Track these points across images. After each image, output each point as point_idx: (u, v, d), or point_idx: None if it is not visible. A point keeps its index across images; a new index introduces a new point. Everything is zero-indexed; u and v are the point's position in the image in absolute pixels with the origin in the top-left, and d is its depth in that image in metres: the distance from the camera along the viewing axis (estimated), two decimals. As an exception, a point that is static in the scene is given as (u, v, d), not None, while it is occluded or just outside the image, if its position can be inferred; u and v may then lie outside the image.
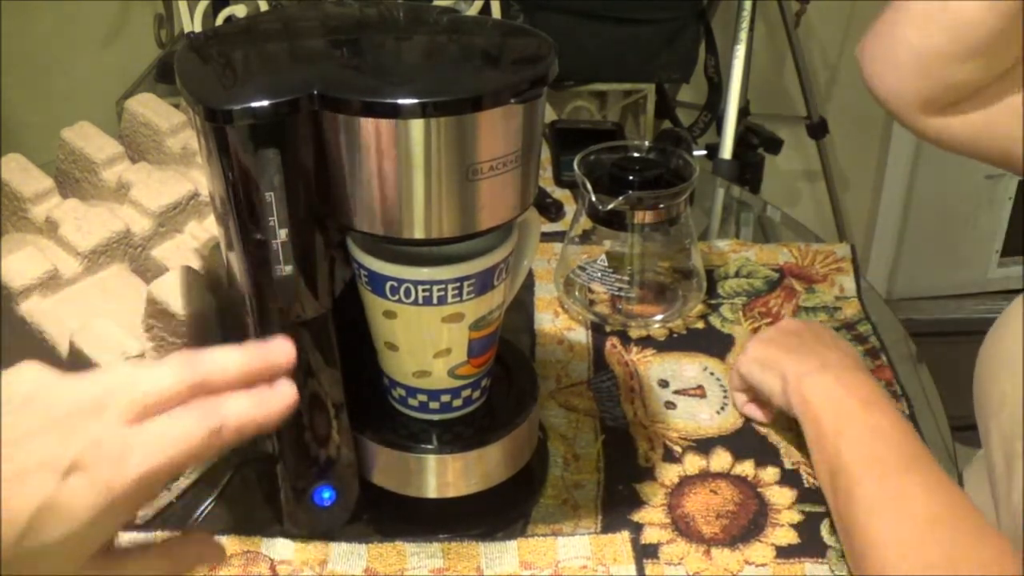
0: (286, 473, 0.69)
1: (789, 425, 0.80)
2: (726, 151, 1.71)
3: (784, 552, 0.71)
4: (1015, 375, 0.65)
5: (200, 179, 0.82)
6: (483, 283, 0.64)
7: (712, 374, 0.87)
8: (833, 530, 0.71)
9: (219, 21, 0.89)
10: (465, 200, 0.59)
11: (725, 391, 0.85)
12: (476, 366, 0.69)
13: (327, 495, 0.69)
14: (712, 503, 0.75)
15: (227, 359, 0.47)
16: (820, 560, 0.70)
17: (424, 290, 0.63)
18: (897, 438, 0.66)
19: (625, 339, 0.92)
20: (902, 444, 0.66)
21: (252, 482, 0.73)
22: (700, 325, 0.94)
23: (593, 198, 0.88)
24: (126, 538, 0.71)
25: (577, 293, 0.95)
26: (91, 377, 0.45)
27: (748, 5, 1.72)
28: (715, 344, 0.91)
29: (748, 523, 0.73)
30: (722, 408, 0.84)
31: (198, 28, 0.86)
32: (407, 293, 0.63)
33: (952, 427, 0.83)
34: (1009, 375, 0.66)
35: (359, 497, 0.71)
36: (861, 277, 0.99)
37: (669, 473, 0.77)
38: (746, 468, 0.78)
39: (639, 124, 1.86)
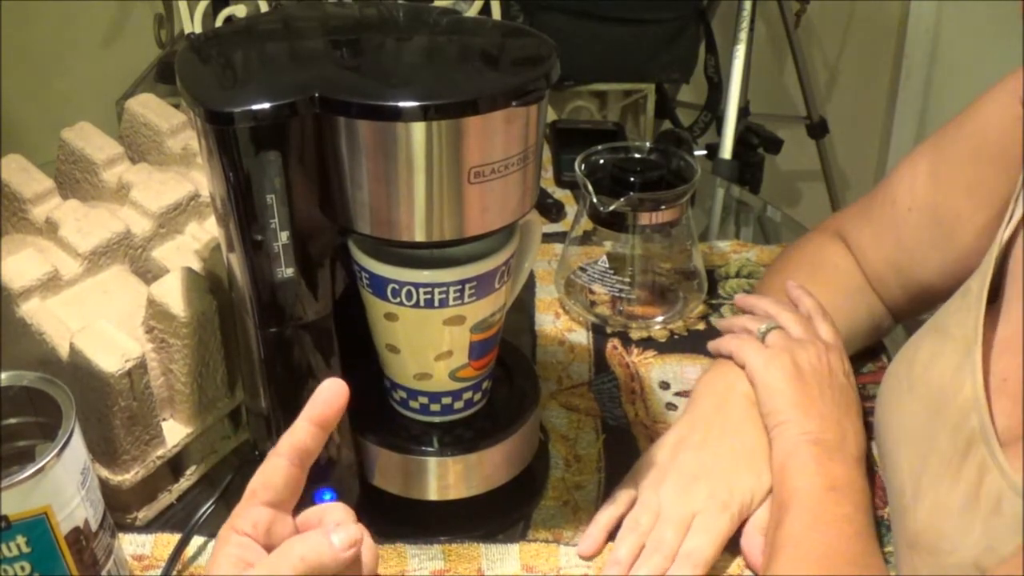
0: (287, 475, 0.68)
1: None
2: (726, 151, 1.71)
3: (785, 554, 0.70)
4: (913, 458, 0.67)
5: (201, 180, 0.81)
6: (484, 286, 0.64)
7: (713, 375, 0.87)
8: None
9: (219, 22, 0.89)
10: (466, 203, 0.59)
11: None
12: (477, 368, 0.69)
13: (328, 497, 0.69)
14: (713, 505, 0.74)
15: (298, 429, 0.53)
16: (821, 562, 0.70)
17: (425, 293, 0.63)
18: (840, 532, 0.66)
19: (626, 340, 0.91)
20: (839, 540, 0.65)
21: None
22: (701, 326, 0.93)
23: (594, 199, 0.87)
24: (127, 539, 0.71)
25: (578, 294, 0.95)
26: None
27: (748, 5, 1.72)
28: (716, 345, 0.91)
29: (749, 525, 0.73)
30: (723, 410, 0.83)
31: (198, 28, 0.85)
32: (408, 296, 0.63)
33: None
34: (908, 453, 0.68)
35: (359, 499, 0.71)
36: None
37: (670, 475, 0.77)
38: (747, 470, 0.77)
39: (639, 124, 1.86)
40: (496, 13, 0.86)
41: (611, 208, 0.87)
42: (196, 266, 0.74)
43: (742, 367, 0.77)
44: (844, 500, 0.67)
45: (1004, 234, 0.66)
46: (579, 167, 0.90)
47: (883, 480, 0.74)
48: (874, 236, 0.83)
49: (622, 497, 0.72)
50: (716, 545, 0.69)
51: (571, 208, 1.09)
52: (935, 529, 0.63)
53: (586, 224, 0.93)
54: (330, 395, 0.53)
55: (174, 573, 0.68)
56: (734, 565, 0.70)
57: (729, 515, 0.70)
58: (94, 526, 0.60)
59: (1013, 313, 0.64)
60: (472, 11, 0.88)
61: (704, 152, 1.75)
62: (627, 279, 0.92)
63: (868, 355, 0.88)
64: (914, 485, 0.67)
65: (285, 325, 0.63)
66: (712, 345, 0.82)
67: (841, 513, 0.66)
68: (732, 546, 0.70)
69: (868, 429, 0.78)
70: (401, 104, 0.55)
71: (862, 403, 0.80)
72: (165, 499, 0.74)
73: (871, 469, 0.76)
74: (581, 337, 0.92)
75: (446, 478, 0.70)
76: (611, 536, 0.71)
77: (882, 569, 0.66)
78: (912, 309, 0.85)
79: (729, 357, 0.79)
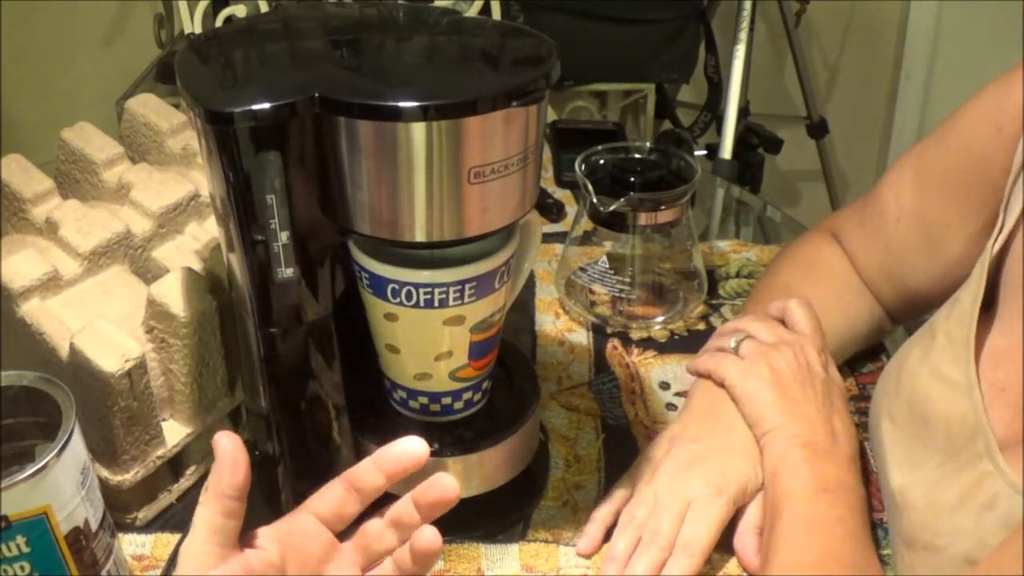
0: (287, 475, 0.68)
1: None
2: (726, 151, 1.71)
3: (785, 554, 0.70)
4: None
5: (201, 180, 0.81)
6: (484, 286, 0.64)
7: (713, 376, 0.87)
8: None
9: (219, 22, 0.89)
10: (466, 203, 0.59)
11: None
12: (477, 368, 0.69)
13: (328, 497, 0.69)
14: (713, 505, 0.74)
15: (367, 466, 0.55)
16: (821, 562, 0.70)
17: (425, 293, 0.63)
18: (834, 535, 0.65)
19: (626, 340, 0.91)
20: (833, 543, 0.65)
21: (253, 484, 0.73)
22: (701, 326, 0.93)
23: (595, 199, 0.87)
24: (127, 539, 0.71)
25: (578, 294, 0.95)
26: None
27: (748, 5, 1.72)
28: (716, 345, 0.91)
29: (749, 525, 0.73)
30: (723, 410, 0.83)
31: (198, 28, 0.85)
32: (408, 296, 0.63)
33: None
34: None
35: (360, 499, 0.71)
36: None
37: (670, 475, 0.77)
38: (747, 470, 0.77)
39: (639, 124, 1.86)
40: (496, 13, 0.86)
41: (611, 208, 0.87)
42: (196, 266, 0.74)
43: (721, 384, 0.76)
44: (837, 502, 0.67)
45: (995, 245, 0.66)
46: (579, 167, 0.90)
47: (878, 480, 0.74)
48: (865, 242, 0.83)
49: (619, 494, 0.72)
50: (712, 533, 0.68)
51: (571, 208, 1.09)
52: (930, 527, 0.63)
53: (586, 224, 0.93)
54: (407, 453, 0.54)
55: (174, 573, 0.68)
56: (732, 565, 0.70)
57: (725, 500, 0.69)
58: (94, 526, 0.60)
59: (1012, 323, 0.64)
60: (472, 11, 0.88)
61: (704, 152, 1.75)
62: (627, 279, 0.92)
63: (868, 355, 0.88)
64: (905, 485, 0.67)
65: (285, 325, 0.63)
66: (690, 367, 0.81)
67: (835, 515, 0.66)
68: (730, 545, 0.71)
69: (864, 428, 0.78)
70: (401, 104, 0.55)
71: (861, 402, 0.80)
72: (165, 499, 0.74)
73: (869, 470, 0.76)
74: (581, 337, 0.92)
75: (446, 478, 0.70)
76: (610, 534, 0.71)
77: (877, 570, 0.66)
78: (907, 313, 0.85)
79: (708, 376, 0.78)
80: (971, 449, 0.62)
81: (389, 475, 0.54)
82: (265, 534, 0.54)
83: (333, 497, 0.55)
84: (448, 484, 0.53)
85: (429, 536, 0.52)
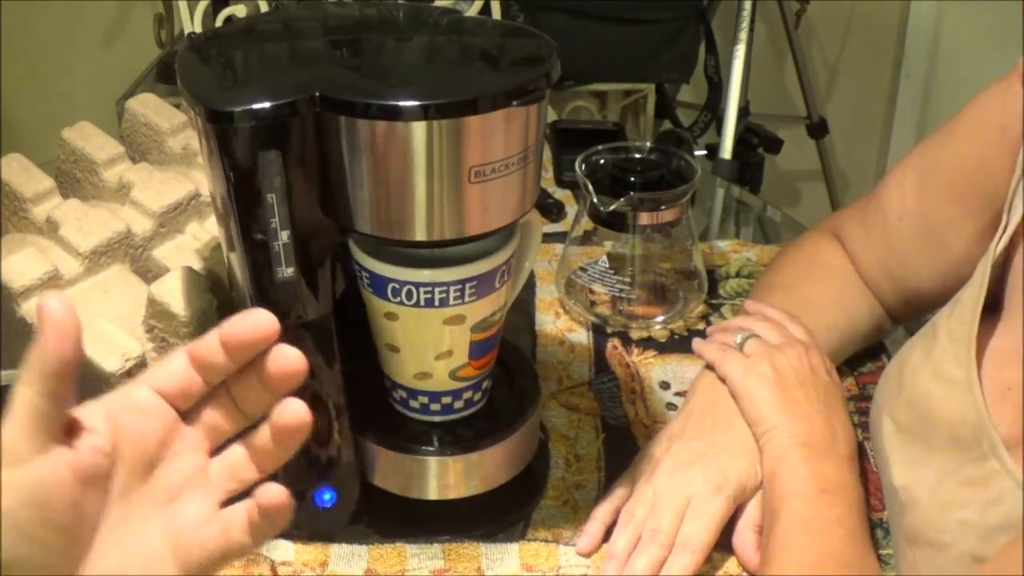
0: (286, 475, 0.68)
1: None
2: (726, 151, 1.71)
3: (785, 554, 0.70)
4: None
5: (201, 179, 0.82)
6: (485, 285, 0.64)
7: (713, 375, 0.87)
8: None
9: (219, 21, 0.89)
10: (466, 202, 0.59)
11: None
12: (477, 368, 0.69)
13: (328, 497, 0.69)
14: (713, 505, 0.74)
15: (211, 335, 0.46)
16: (821, 562, 0.70)
17: (425, 292, 0.63)
18: (833, 535, 0.65)
19: (626, 340, 0.91)
20: (833, 543, 0.65)
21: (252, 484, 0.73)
22: (701, 326, 0.93)
23: (595, 199, 0.87)
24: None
25: (578, 294, 0.95)
26: None
27: (748, 5, 1.72)
28: (716, 345, 0.91)
29: (749, 525, 0.73)
30: (723, 409, 0.83)
31: (198, 28, 0.86)
32: (408, 295, 0.63)
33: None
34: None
35: (359, 499, 0.71)
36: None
37: (670, 474, 0.77)
38: (747, 469, 0.77)
39: (639, 124, 1.86)
40: (496, 13, 0.86)
41: (611, 208, 0.87)
42: (196, 265, 0.74)
43: (723, 380, 0.76)
44: (837, 502, 0.67)
45: (998, 246, 0.66)
46: (579, 167, 0.90)
47: (878, 479, 0.74)
48: (867, 241, 0.83)
49: (618, 493, 0.72)
50: (712, 530, 0.68)
51: (571, 208, 1.09)
52: (934, 524, 0.63)
53: (586, 224, 0.93)
54: (248, 322, 0.46)
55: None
56: (732, 564, 0.70)
57: (724, 497, 0.69)
58: (94, 525, 0.60)
59: (1015, 324, 0.64)
60: (472, 11, 0.88)
61: (704, 152, 1.75)
62: (627, 279, 0.92)
63: (868, 355, 0.88)
64: (908, 483, 0.67)
65: (285, 325, 0.63)
66: (695, 348, 0.82)
67: (834, 515, 0.66)
68: (730, 544, 0.71)
69: (864, 428, 0.78)
70: (401, 103, 0.55)
71: (861, 402, 0.80)
72: (165, 498, 0.74)
73: (868, 470, 0.76)
74: (581, 337, 0.92)
75: (446, 477, 0.70)
76: (610, 532, 0.71)
77: (875, 569, 0.66)
78: (908, 313, 0.85)
79: (711, 367, 0.78)
80: (976, 448, 0.62)
81: (231, 351, 0.46)
82: (94, 413, 0.45)
83: (178, 369, 0.46)
84: (290, 352, 0.46)
85: (297, 408, 0.45)
